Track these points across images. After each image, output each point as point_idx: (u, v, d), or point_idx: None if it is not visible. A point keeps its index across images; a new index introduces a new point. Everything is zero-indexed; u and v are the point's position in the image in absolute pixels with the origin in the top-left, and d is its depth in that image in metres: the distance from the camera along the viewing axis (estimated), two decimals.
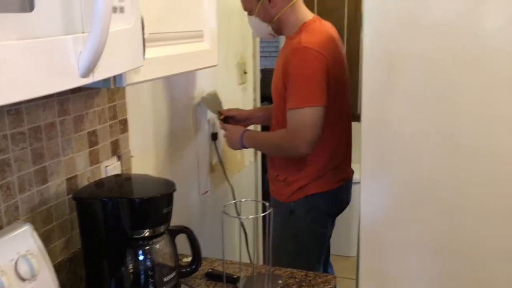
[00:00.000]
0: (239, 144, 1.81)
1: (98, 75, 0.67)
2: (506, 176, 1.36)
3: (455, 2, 1.31)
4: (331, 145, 1.77)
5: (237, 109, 1.99)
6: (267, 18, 1.74)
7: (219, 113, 1.92)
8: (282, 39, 1.86)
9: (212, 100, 1.93)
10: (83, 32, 0.64)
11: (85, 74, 0.64)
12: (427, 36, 1.34)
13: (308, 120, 1.62)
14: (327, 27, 1.78)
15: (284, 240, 1.81)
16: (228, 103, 2.07)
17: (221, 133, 1.96)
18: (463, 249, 1.44)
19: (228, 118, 1.92)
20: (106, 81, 0.88)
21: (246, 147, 1.86)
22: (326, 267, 2.09)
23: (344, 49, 1.84)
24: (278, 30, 1.78)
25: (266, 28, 1.77)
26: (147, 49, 0.87)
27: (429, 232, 1.46)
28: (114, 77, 0.89)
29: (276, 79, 1.75)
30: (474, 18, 1.31)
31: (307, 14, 1.76)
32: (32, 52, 0.56)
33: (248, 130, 1.84)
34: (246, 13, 1.83)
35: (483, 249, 1.42)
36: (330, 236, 1.95)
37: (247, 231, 2.08)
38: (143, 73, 0.91)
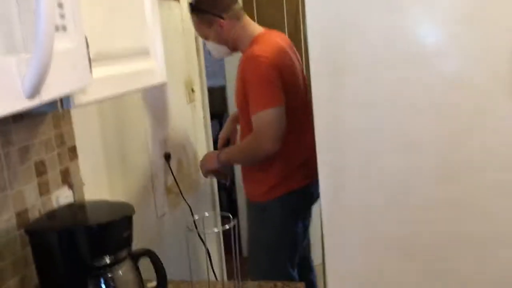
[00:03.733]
0: (215, 164, 1.95)
1: (46, 95, 0.64)
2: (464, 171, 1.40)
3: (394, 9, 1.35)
4: (293, 143, 1.87)
5: (225, 133, 2.19)
6: (221, 41, 1.94)
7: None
8: (227, 58, 2.14)
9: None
10: (25, 53, 0.60)
11: (32, 95, 0.61)
12: (371, 39, 1.38)
13: (272, 119, 1.74)
14: (276, 38, 1.95)
15: (257, 238, 1.98)
16: (178, 121, 2.04)
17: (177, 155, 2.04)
18: (433, 243, 1.45)
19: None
20: (53, 104, 0.84)
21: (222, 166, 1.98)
22: (305, 272, 2.11)
23: (297, 54, 2.01)
24: (234, 48, 1.97)
25: (224, 49, 1.97)
26: (93, 69, 0.84)
27: (396, 228, 1.45)
28: (61, 100, 0.86)
29: (236, 91, 1.91)
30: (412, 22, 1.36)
31: (257, 29, 1.95)
32: None
33: (221, 151, 2.00)
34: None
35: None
36: (304, 237, 2.04)
37: (210, 248, 2.04)
38: (91, 94, 0.87)
